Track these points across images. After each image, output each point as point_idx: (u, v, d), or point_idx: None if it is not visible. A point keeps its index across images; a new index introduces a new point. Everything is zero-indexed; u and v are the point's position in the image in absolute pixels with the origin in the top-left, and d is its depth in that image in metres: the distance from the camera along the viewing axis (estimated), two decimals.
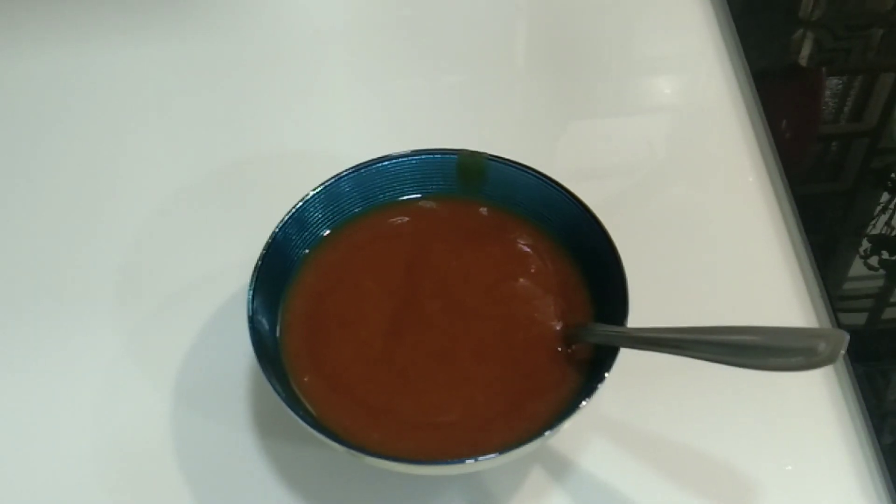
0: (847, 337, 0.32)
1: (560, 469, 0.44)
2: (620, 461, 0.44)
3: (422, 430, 0.40)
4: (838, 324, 0.48)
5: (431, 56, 0.65)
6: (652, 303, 0.42)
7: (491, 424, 0.40)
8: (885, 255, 0.52)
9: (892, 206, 0.54)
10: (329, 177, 0.46)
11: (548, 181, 0.45)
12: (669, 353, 0.37)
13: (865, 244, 0.52)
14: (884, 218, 0.54)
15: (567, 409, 0.38)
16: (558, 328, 0.43)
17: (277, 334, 0.43)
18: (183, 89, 0.63)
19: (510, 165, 0.46)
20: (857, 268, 0.51)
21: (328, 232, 0.46)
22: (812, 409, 0.46)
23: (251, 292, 0.41)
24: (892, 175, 0.57)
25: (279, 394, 0.38)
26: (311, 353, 0.42)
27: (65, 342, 0.49)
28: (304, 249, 0.45)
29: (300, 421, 0.38)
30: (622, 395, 0.45)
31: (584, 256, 0.44)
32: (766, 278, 0.51)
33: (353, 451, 0.37)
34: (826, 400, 0.46)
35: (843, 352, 0.32)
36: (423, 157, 0.47)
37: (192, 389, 0.47)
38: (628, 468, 0.44)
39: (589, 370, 0.41)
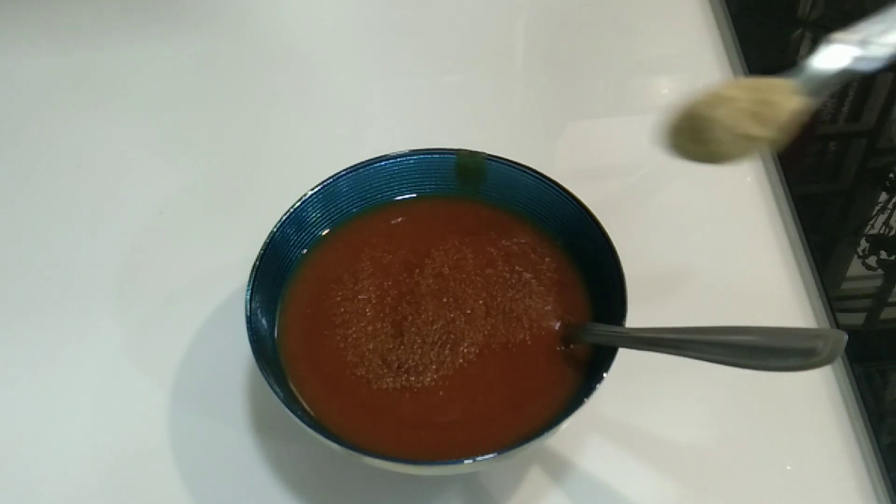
0: (845, 337, 0.32)
1: (559, 469, 0.44)
2: (619, 461, 0.44)
3: (421, 430, 0.40)
4: (837, 324, 0.48)
5: (431, 56, 0.65)
6: (650, 303, 0.42)
7: (490, 424, 0.40)
8: (884, 254, 0.52)
9: (890, 205, 0.54)
10: (327, 176, 0.46)
11: (547, 181, 0.45)
12: (668, 353, 0.37)
13: (864, 244, 0.52)
14: (882, 218, 0.54)
15: (566, 409, 0.38)
16: (557, 328, 0.43)
17: (276, 334, 0.43)
18: (182, 89, 0.63)
19: (509, 165, 0.46)
20: (856, 268, 0.51)
21: (326, 232, 0.46)
22: (811, 409, 0.46)
23: (249, 293, 0.41)
24: (891, 175, 0.57)
25: (277, 394, 0.38)
26: (310, 353, 0.42)
27: (64, 342, 0.49)
28: (303, 249, 0.45)
29: (298, 421, 0.38)
30: (621, 395, 0.45)
31: (583, 256, 0.44)
32: (764, 278, 0.51)
33: (351, 452, 0.37)
34: (825, 400, 0.46)
35: (841, 352, 0.32)
36: (421, 156, 0.47)
37: (190, 389, 0.47)
38: (627, 468, 0.44)
39: (587, 370, 0.41)
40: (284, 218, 0.44)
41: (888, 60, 0.26)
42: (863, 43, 0.26)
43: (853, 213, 0.56)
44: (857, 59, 0.26)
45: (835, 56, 0.27)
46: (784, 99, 0.27)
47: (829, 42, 0.27)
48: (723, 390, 0.46)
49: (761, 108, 0.27)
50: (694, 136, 0.28)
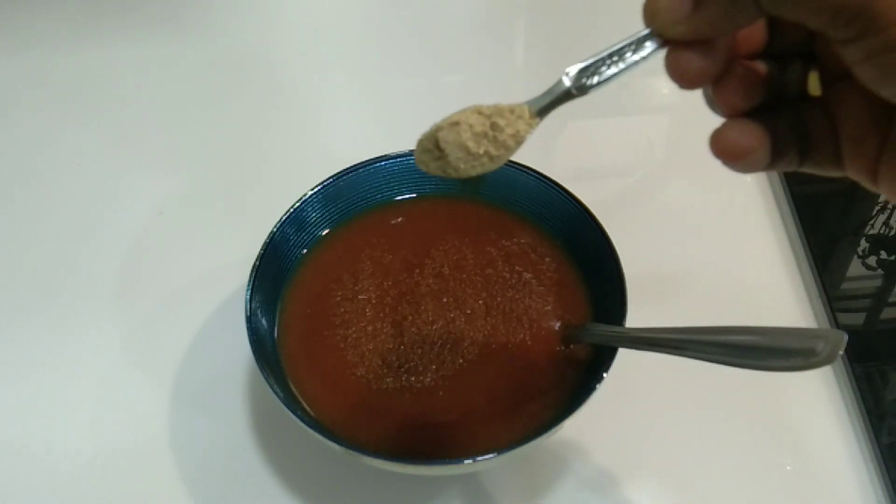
0: (845, 337, 0.32)
1: (559, 469, 0.44)
2: (619, 461, 0.44)
3: (421, 430, 0.40)
4: (837, 324, 0.48)
5: (430, 56, 0.65)
6: (650, 303, 0.42)
7: (490, 424, 0.40)
8: (884, 254, 0.52)
9: (890, 205, 0.54)
10: (327, 177, 0.46)
11: (547, 181, 0.45)
12: (668, 353, 0.37)
13: (864, 244, 0.52)
14: (882, 218, 0.54)
15: (566, 409, 0.38)
16: (557, 328, 0.43)
17: (276, 334, 0.43)
18: (182, 89, 0.63)
19: (509, 165, 0.46)
20: (856, 268, 0.51)
21: (326, 232, 0.46)
22: (811, 409, 0.46)
23: (249, 293, 0.41)
24: None
25: (277, 394, 0.38)
26: (310, 353, 0.42)
27: (64, 342, 0.49)
28: (303, 249, 0.45)
29: (298, 421, 0.38)
30: (621, 395, 0.45)
31: (583, 256, 0.44)
32: (764, 278, 0.51)
33: (351, 451, 0.37)
34: (825, 400, 0.46)
35: (841, 352, 0.32)
36: None
37: (190, 389, 0.47)
38: (627, 468, 0.44)
39: (587, 370, 0.41)
40: (284, 218, 0.44)
41: (594, 89, 0.32)
42: (582, 73, 0.32)
43: (853, 213, 0.56)
44: (574, 87, 0.32)
45: (562, 83, 0.32)
46: (512, 122, 0.33)
47: (566, 72, 0.32)
48: (723, 390, 0.46)
49: (491, 130, 0.32)
50: (434, 154, 0.33)
